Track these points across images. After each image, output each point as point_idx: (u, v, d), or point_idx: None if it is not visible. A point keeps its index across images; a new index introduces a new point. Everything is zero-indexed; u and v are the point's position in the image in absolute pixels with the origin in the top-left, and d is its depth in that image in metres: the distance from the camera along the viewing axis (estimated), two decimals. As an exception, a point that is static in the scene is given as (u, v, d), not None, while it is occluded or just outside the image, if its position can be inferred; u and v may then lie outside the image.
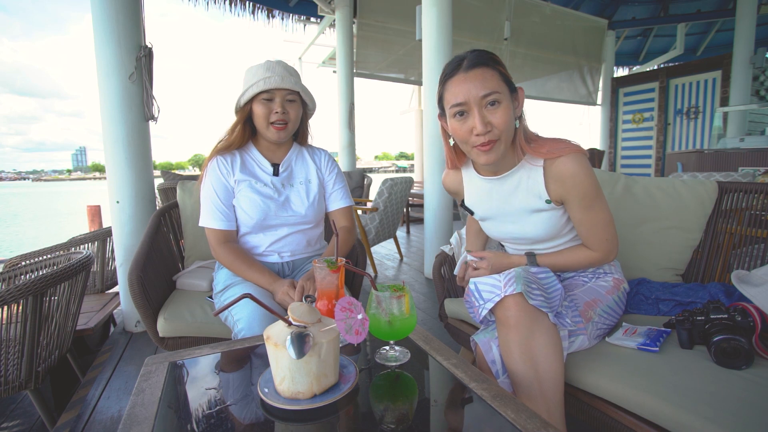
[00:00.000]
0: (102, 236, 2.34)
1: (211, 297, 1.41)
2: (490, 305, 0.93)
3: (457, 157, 1.18)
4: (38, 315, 1.32)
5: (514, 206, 1.12)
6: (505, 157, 1.06)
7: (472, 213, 1.24)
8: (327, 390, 0.72)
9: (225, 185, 1.34)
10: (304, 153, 1.47)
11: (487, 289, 0.95)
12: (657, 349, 0.96)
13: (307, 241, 1.43)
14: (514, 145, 1.05)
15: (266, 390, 0.73)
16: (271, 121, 1.31)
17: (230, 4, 5.37)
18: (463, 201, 1.25)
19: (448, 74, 1.00)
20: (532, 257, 1.14)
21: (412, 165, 14.38)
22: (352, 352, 0.93)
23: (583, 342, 0.99)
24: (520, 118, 1.04)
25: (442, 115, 1.08)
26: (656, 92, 7.39)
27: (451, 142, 1.11)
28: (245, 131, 1.37)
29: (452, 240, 1.54)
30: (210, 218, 1.32)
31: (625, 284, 1.18)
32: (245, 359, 0.91)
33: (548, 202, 1.07)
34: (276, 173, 1.39)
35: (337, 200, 1.48)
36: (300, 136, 1.48)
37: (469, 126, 0.98)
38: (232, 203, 1.35)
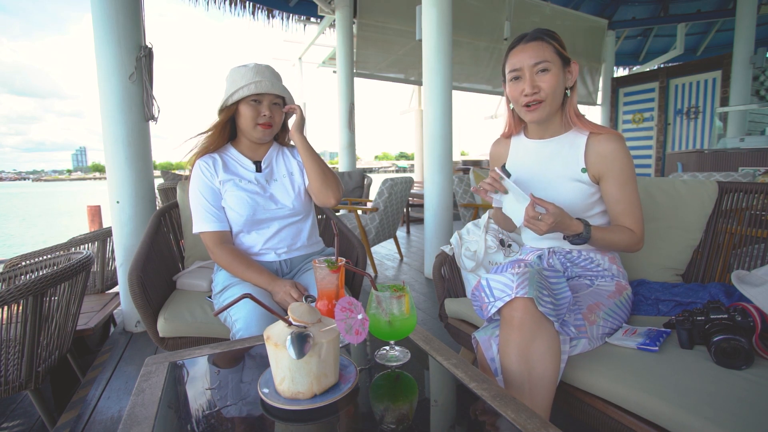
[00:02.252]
0: (102, 236, 2.34)
1: (210, 297, 1.41)
2: (500, 304, 0.93)
3: (514, 125, 1.31)
4: (38, 315, 1.32)
5: (551, 170, 1.19)
6: (553, 123, 1.19)
7: (509, 175, 1.28)
8: (327, 390, 0.72)
9: (211, 187, 1.35)
10: (284, 151, 1.51)
11: (500, 287, 0.94)
12: (657, 348, 0.96)
13: (301, 234, 1.44)
14: (564, 113, 1.18)
15: (266, 390, 0.73)
16: (258, 123, 1.35)
17: (230, 4, 5.37)
18: (503, 165, 1.32)
19: (510, 47, 1.17)
20: (588, 227, 1.10)
21: (412, 165, 14.38)
22: (352, 352, 0.93)
23: (585, 346, 1.00)
24: (572, 89, 1.16)
25: (503, 82, 1.23)
26: (656, 92, 7.39)
27: (511, 106, 1.25)
28: (226, 132, 1.41)
29: (452, 240, 1.54)
30: (203, 222, 1.33)
31: (629, 291, 1.19)
32: (245, 359, 0.91)
33: (584, 170, 1.15)
34: (259, 170, 1.42)
35: None
36: (280, 136, 1.52)
37: (520, 88, 1.13)
38: (221, 205, 1.36)
